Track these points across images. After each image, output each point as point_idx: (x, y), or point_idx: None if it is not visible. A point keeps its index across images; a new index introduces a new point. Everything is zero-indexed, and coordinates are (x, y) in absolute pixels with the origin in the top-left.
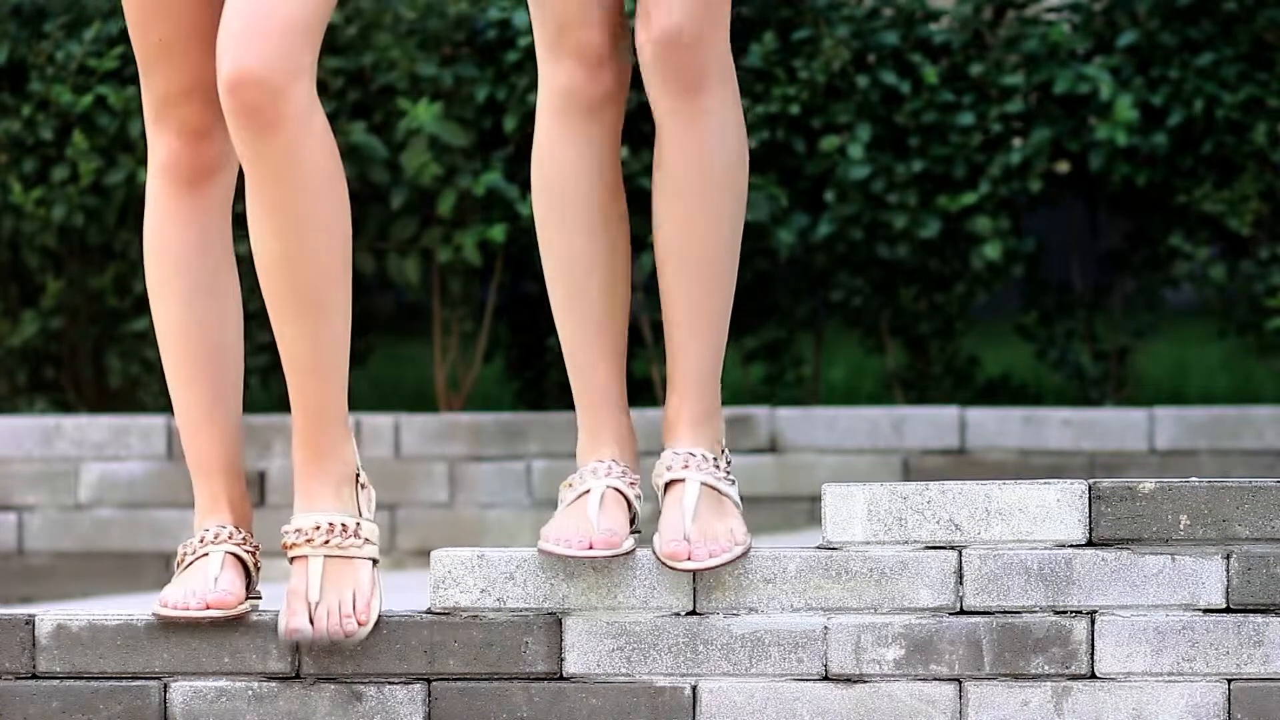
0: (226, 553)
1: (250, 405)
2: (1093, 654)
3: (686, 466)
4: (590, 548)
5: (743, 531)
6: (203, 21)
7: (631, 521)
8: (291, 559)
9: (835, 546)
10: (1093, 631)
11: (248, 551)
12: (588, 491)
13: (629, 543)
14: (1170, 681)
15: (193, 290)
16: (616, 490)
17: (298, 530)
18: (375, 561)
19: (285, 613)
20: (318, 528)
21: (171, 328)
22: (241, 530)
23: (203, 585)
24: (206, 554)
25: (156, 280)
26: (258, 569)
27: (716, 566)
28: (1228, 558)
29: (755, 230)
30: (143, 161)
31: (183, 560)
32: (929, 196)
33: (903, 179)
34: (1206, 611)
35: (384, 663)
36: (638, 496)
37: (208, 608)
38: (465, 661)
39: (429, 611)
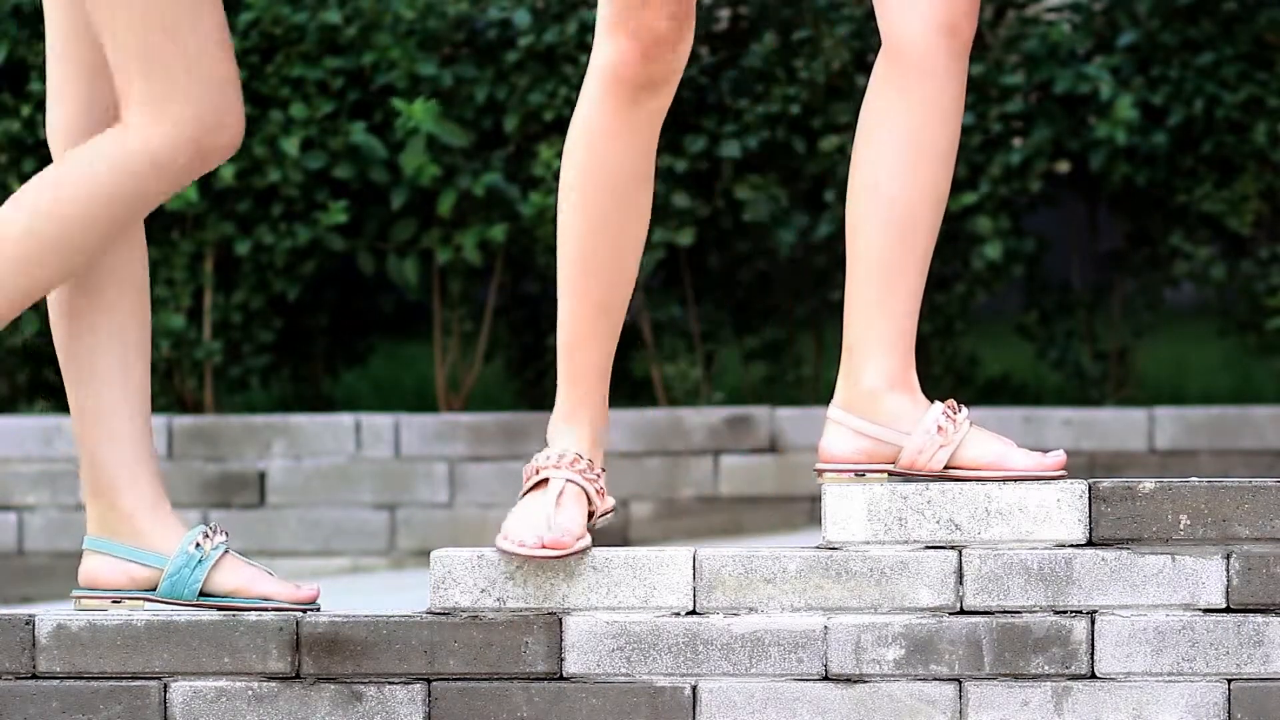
0: (567, 480)
1: (250, 405)
2: (1093, 654)
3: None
4: (543, 546)
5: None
6: None
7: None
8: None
9: (835, 546)
10: (1093, 631)
11: (589, 480)
12: (545, 481)
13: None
14: (1170, 681)
15: (623, 209)
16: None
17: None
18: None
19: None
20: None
21: (587, 243)
22: (585, 457)
23: (541, 521)
24: (547, 480)
25: (582, 201)
26: (600, 494)
27: None
28: (1228, 558)
29: (755, 230)
30: None
31: (529, 478)
32: None
33: None
34: (1206, 611)
35: (384, 663)
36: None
37: (543, 547)
38: (465, 661)
39: (429, 611)
